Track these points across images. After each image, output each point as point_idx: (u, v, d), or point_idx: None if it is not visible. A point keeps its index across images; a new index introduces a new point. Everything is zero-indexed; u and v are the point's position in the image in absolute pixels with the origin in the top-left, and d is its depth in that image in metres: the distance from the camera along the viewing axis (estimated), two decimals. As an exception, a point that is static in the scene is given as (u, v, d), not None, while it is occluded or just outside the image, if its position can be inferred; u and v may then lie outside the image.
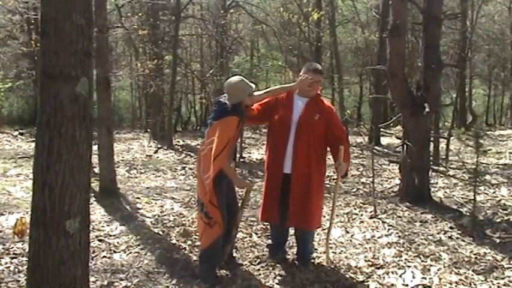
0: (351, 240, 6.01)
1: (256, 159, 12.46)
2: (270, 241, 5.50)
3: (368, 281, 4.82)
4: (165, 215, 7.18)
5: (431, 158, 8.24)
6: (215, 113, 4.79)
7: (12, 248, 5.65)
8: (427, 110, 7.24)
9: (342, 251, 5.66)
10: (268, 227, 5.89)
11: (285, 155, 4.90)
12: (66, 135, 3.25)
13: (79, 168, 3.31)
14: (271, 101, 5.10)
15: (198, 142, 16.60)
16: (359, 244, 5.88)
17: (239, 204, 5.07)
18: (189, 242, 5.93)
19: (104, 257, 5.55)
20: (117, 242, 6.00)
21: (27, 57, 20.38)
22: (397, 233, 6.22)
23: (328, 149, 5.02)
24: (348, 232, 6.34)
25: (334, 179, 9.05)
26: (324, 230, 6.01)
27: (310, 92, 4.99)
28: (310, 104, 4.98)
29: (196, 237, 6.05)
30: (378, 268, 5.12)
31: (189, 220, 6.83)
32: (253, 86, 4.83)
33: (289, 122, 4.93)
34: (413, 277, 4.87)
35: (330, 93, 21.05)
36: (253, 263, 5.29)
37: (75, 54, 3.23)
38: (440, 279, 4.81)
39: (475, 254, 5.43)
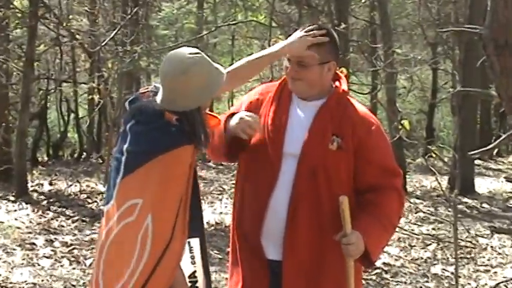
0: None
1: (209, 223, 12.47)
2: None
3: None
4: None
5: None
6: (139, 141, 4.31)
7: None
8: None
9: None
10: None
11: (262, 223, 4.66)
12: None
13: None
14: (251, 105, 4.83)
15: (84, 186, 16.58)
16: None
17: None
18: None
19: None
20: None
21: None
22: None
23: None
24: None
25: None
26: None
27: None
28: (324, 114, 4.74)
29: None
30: None
31: None
32: (224, 72, 4.51)
33: (278, 151, 4.67)
34: None
35: (365, 83, 21.25)
36: None
37: None
38: None
39: None
